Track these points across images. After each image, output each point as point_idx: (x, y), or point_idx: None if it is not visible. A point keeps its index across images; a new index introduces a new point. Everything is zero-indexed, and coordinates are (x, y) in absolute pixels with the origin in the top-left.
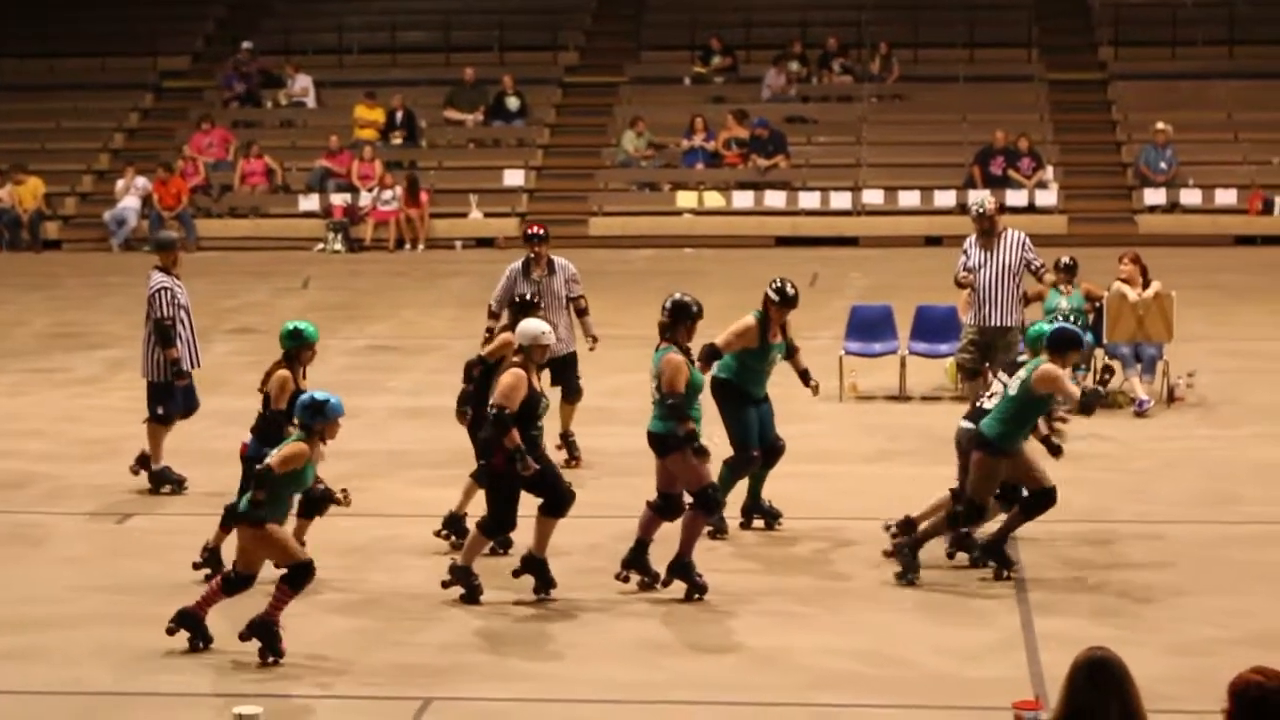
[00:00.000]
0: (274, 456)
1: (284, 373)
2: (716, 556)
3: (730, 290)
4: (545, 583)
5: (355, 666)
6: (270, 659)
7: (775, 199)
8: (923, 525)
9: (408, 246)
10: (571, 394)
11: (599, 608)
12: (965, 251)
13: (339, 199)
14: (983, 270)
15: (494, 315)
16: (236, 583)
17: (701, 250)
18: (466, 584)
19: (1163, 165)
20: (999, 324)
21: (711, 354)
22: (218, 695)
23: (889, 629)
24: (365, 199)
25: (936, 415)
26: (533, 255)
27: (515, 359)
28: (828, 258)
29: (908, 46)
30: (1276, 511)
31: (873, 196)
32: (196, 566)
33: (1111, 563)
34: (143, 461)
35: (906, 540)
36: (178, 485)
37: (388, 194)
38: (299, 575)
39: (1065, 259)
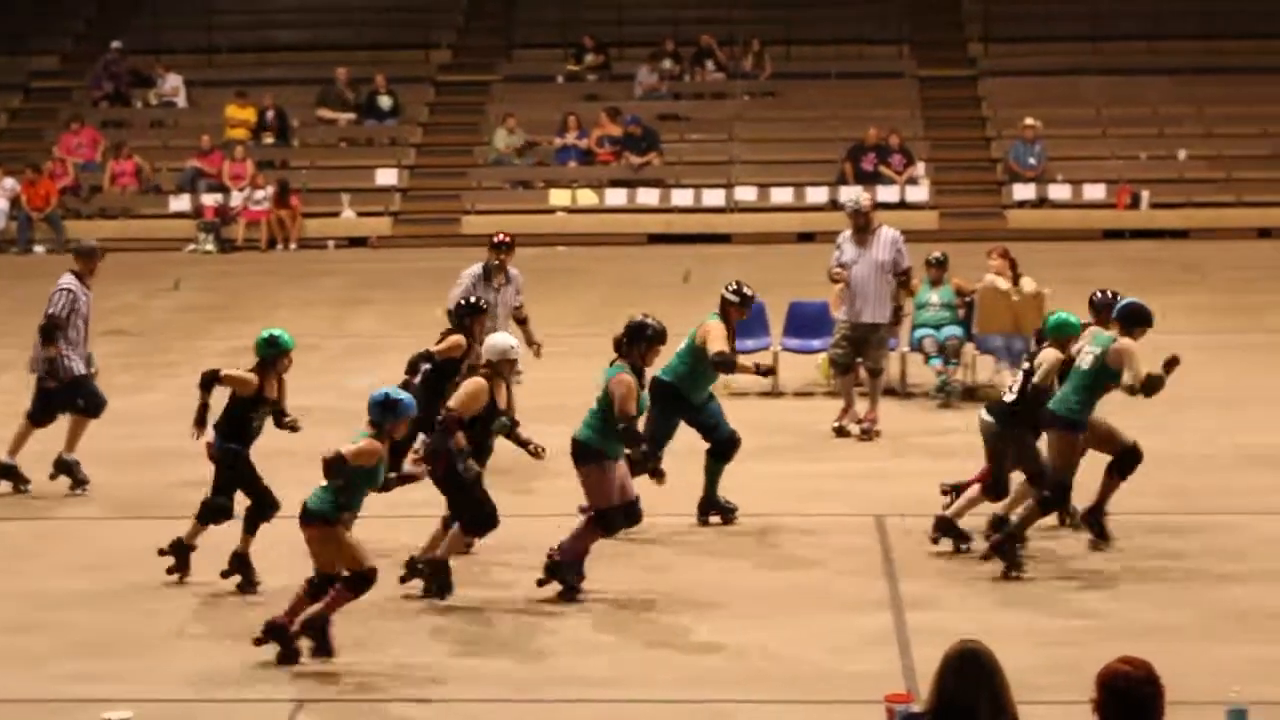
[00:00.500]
0: (347, 448)
1: (249, 376)
2: (602, 554)
3: (604, 287)
4: (442, 586)
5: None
6: (317, 657)
7: (648, 196)
8: (1014, 518)
9: (280, 246)
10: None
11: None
12: (839, 246)
13: (210, 199)
14: (856, 267)
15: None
16: (322, 585)
17: (575, 248)
18: (441, 580)
19: (1032, 161)
20: (871, 320)
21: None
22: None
23: (764, 625)
24: (237, 199)
25: (810, 411)
26: (497, 263)
27: (483, 370)
28: (701, 255)
29: (780, 44)
30: (1142, 502)
31: (745, 193)
32: (225, 574)
33: (983, 556)
34: (61, 465)
35: (1003, 538)
36: (80, 485)
37: (259, 194)
38: (360, 582)
39: (936, 254)
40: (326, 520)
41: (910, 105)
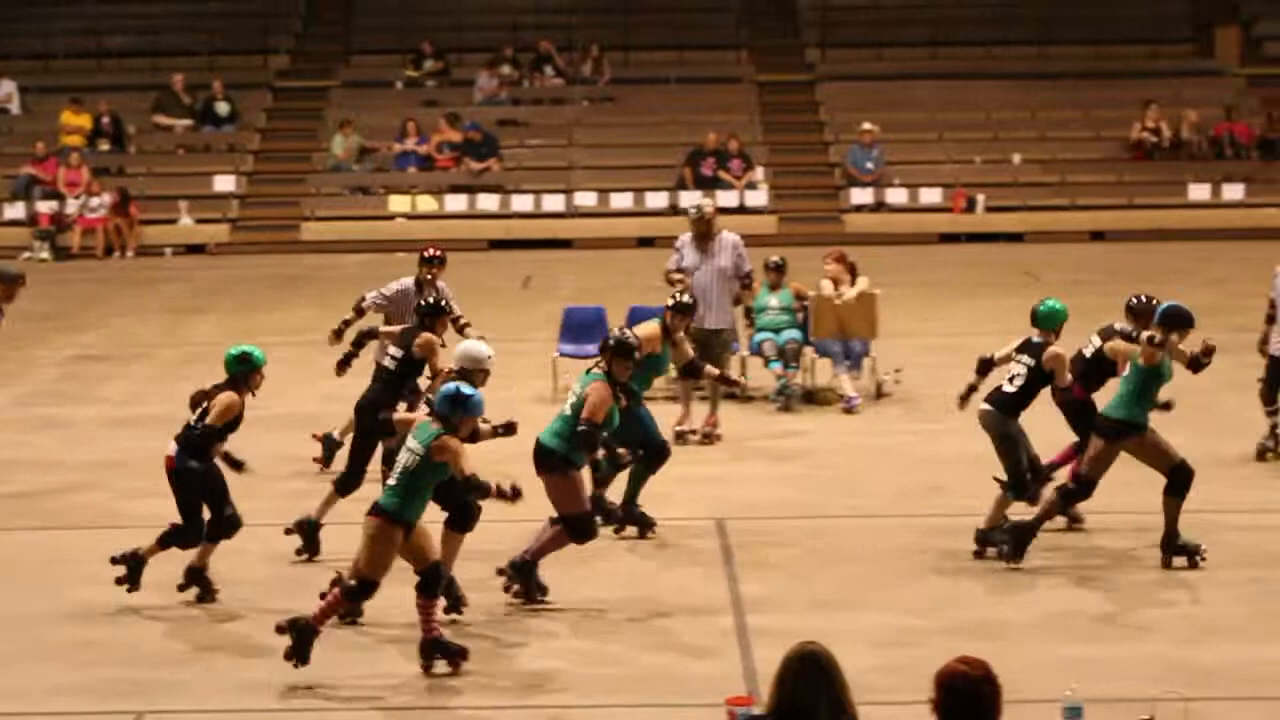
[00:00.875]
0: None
1: (232, 397)
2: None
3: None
4: (454, 601)
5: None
6: (453, 664)
7: (488, 202)
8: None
9: (117, 254)
10: None
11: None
12: (679, 250)
13: (45, 206)
14: (698, 273)
15: (359, 312)
16: (368, 589)
17: (415, 255)
18: (448, 592)
19: (869, 165)
20: (714, 325)
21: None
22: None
23: (605, 628)
24: (72, 206)
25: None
26: (429, 277)
27: (454, 376)
28: (541, 260)
29: (618, 49)
30: (979, 504)
31: (585, 199)
32: (183, 588)
33: (824, 558)
34: None
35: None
36: None
37: (95, 201)
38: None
39: (775, 258)
40: (390, 518)
41: (749, 110)
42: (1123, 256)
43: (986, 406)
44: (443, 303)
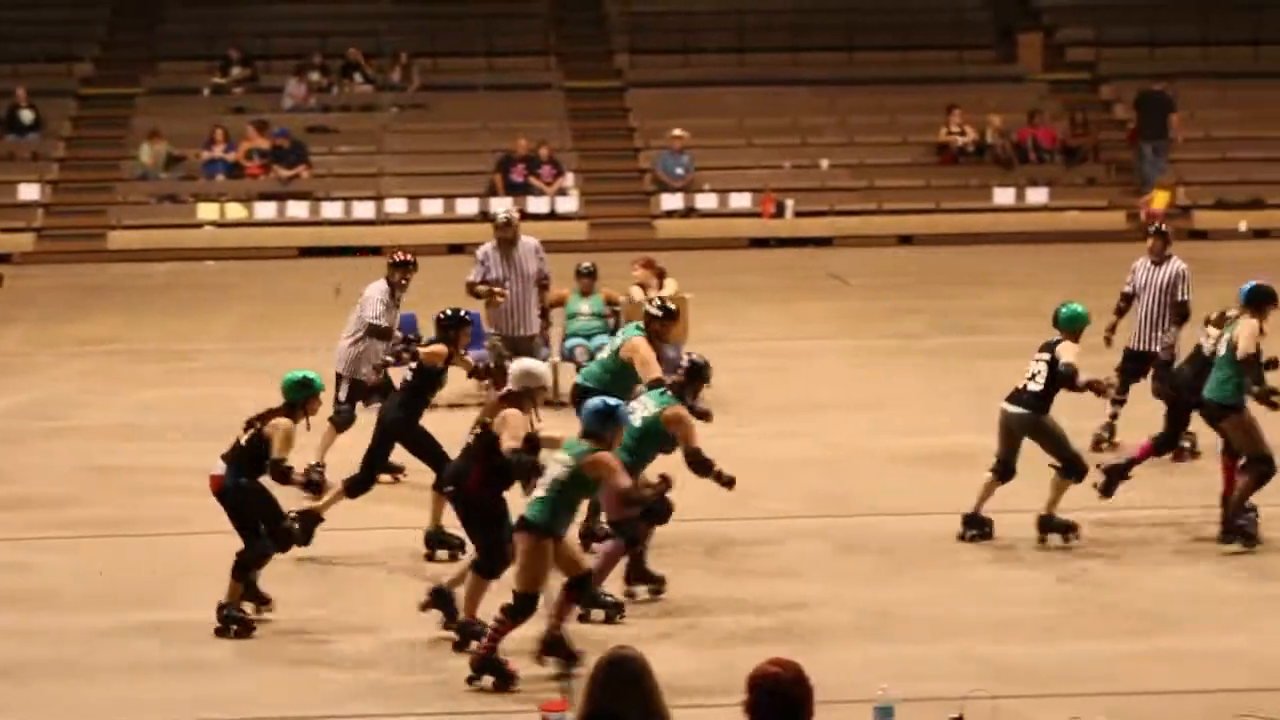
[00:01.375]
0: (582, 463)
1: (288, 423)
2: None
3: (253, 302)
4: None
5: None
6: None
7: (298, 209)
8: (1234, 497)
9: None
10: None
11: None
12: (483, 262)
13: None
14: (509, 282)
15: (389, 337)
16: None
17: (224, 263)
18: (472, 636)
19: (679, 171)
20: (524, 332)
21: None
22: None
23: (418, 634)
24: None
25: (463, 420)
26: (404, 282)
27: (509, 395)
28: (352, 267)
29: (428, 56)
30: (789, 507)
31: (395, 205)
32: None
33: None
34: None
35: (1235, 518)
36: None
37: None
38: (522, 607)
39: (586, 264)
40: (541, 532)
41: (558, 116)
42: (930, 260)
43: (1015, 409)
44: (463, 314)
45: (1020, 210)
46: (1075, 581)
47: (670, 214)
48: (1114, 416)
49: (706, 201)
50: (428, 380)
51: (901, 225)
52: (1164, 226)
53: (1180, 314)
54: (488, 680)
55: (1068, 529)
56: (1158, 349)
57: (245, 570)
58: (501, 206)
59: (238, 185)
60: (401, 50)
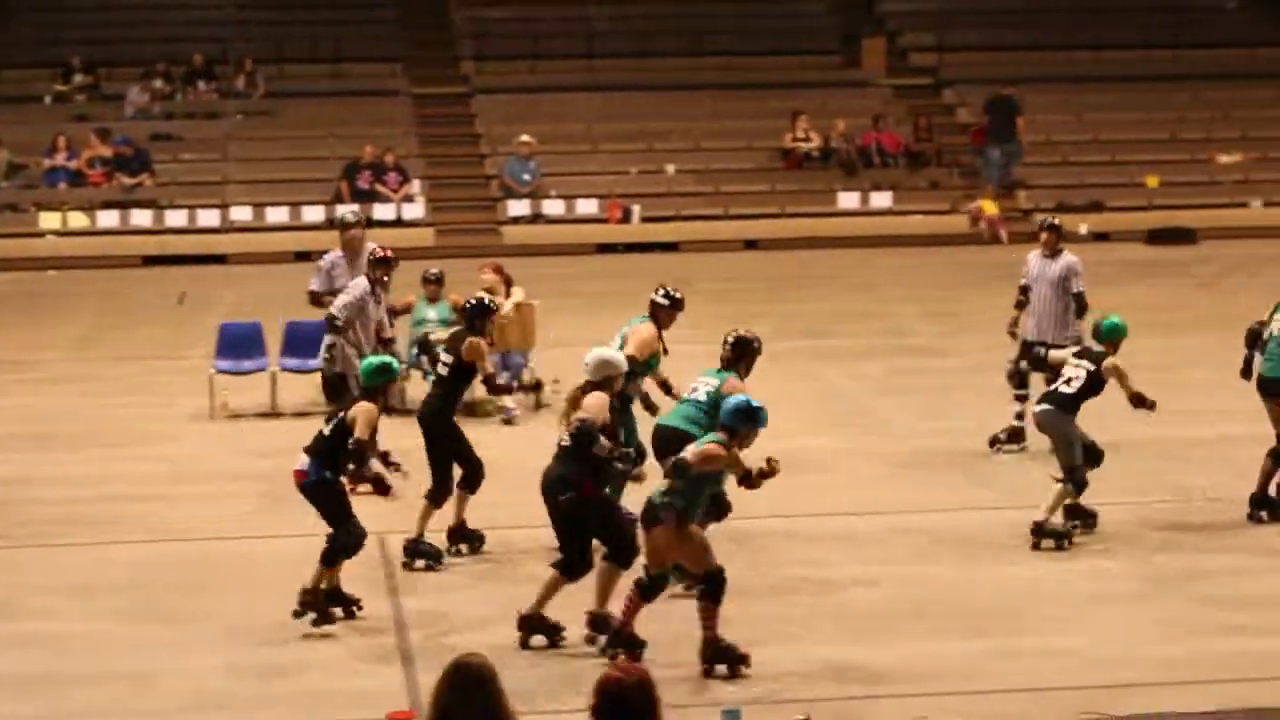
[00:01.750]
0: (692, 453)
1: (370, 406)
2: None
3: (96, 311)
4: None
5: None
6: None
7: (141, 218)
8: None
9: None
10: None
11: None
12: (327, 271)
13: None
14: None
15: (338, 329)
16: (653, 586)
17: (67, 271)
18: (545, 630)
19: (526, 177)
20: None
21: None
22: None
23: (268, 644)
24: None
25: (308, 431)
26: (386, 278)
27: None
28: (196, 276)
29: (274, 63)
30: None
31: (241, 213)
32: (298, 614)
33: (491, 570)
34: None
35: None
36: None
37: None
38: (715, 584)
39: (433, 270)
40: (683, 520)
41: (405, 123)
42: (776, 264)
43: (1045, 406)
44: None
45: (865, 214)
46: (917, 582)
47: (517, 220)
48: (1019, 416)
49: (553, 207)
50: (464, 374)
51: (747, 230)
52: (1056, 220)
53: (1078, 307)
54: (721, 669)
55: (1060, 536)
56: (1058, 341)
57: (334, 558)
58: (346, 212)
59: (80, 194)
60: (247, 57)
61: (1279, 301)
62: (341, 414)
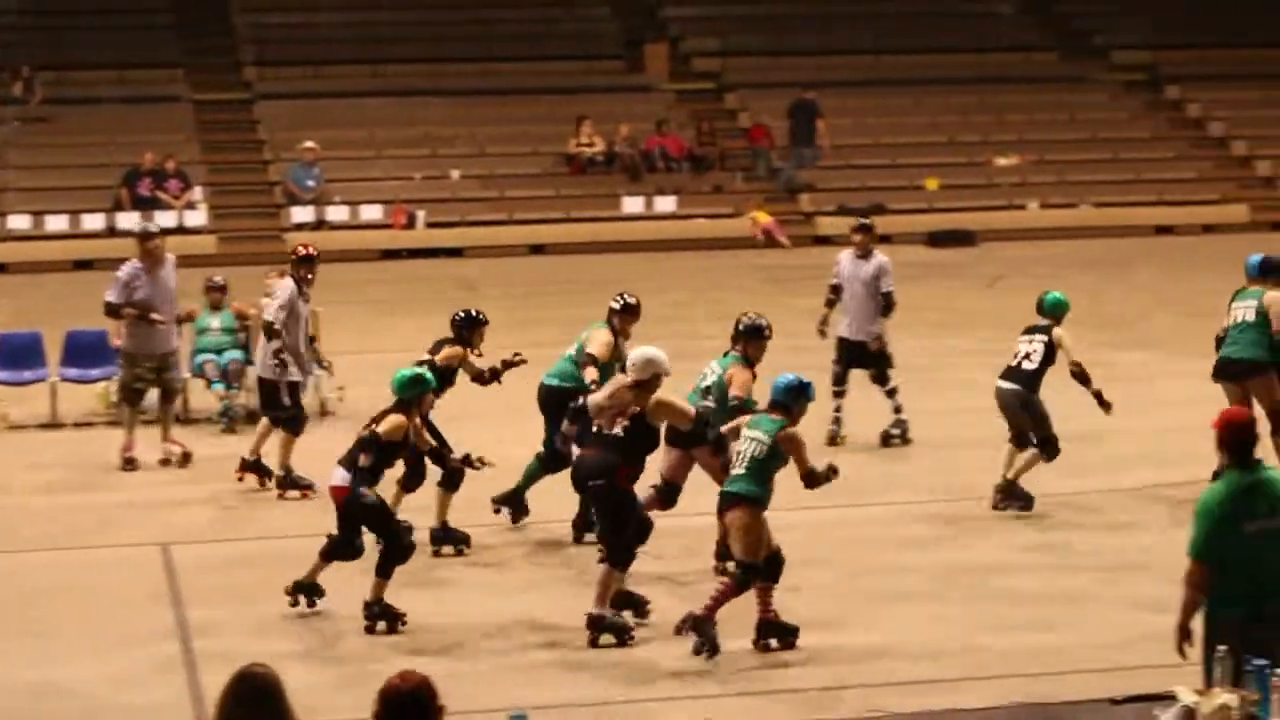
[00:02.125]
0: (783, 439)
1: (401, 418)
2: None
3: None
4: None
5: None
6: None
7: None
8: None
9: None
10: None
11: None
12: (129, 282)
13: None
14: (159, 299)
15: (274, 335)
16: (754, 571)
17: None
18: (613, 630)
19: (310, 183)
20: (166, 349)
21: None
22: None
23: (49, 659)
24: None
25: (91, 441)
26: (310, 276)
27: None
28: None
29: (52, 69)
30: (421, 520)
31: (18, 222)
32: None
33: (272, 579)
34: None
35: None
36: None
37: None
38: (775, 566)
39: (216, 278)
40: (754, 503)
41: (187, 129)
42: (561, 269)
43: (1011, 385)
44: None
45: (649, 219)
46: (705, 583)
47: (301, 227)
48: (838, 410)
49: (338, 214)
50: (442, 380)
51: (532, 235)
52: (869, 221)
53: (886, 305)
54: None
55: (1027, 500)
56: (859, 337)
57: (388, 569)
58: (132, 221)
59: None
60: (24, 63)
61: (1235, 291)
62: (373, 425)
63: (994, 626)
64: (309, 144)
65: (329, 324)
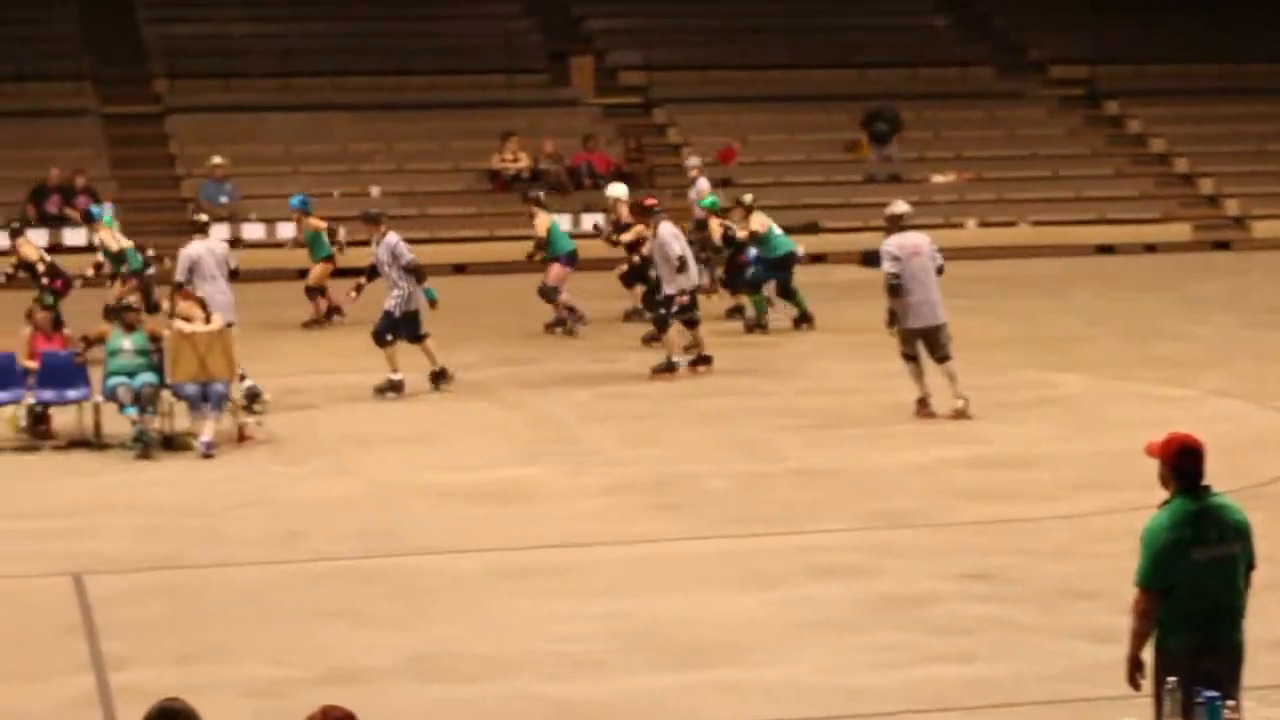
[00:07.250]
0: None
1: None
2: None
3: None
4: None
5: None
6: None
7: None
8: None
9: None
10: None
11: None
12: None
13: None
14: None
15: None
16: None
17: None
18: None
19: (223, 199)
20: None
21: None
22: None
23: None
24: None
25: None
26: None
27: None
28: None
29: None
30: (338, 548)
31: None
32: None
33: (190, 610)
34: None
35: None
36: None
37: None
38: None
39: (129, 299)
40: None
41: (95, 144)
42: (484, 288)
43: None
44: None
45: (576, 236)
46: (625, 615)
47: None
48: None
49: (253, 231)
50: None
51: (455, 254)
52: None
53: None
54: None
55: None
56: None
57: None
58: (40, 239)
59: None
60: None
61: None
62: None
63: (929, 658)
64: (217, 159)
65: (241, 345)
